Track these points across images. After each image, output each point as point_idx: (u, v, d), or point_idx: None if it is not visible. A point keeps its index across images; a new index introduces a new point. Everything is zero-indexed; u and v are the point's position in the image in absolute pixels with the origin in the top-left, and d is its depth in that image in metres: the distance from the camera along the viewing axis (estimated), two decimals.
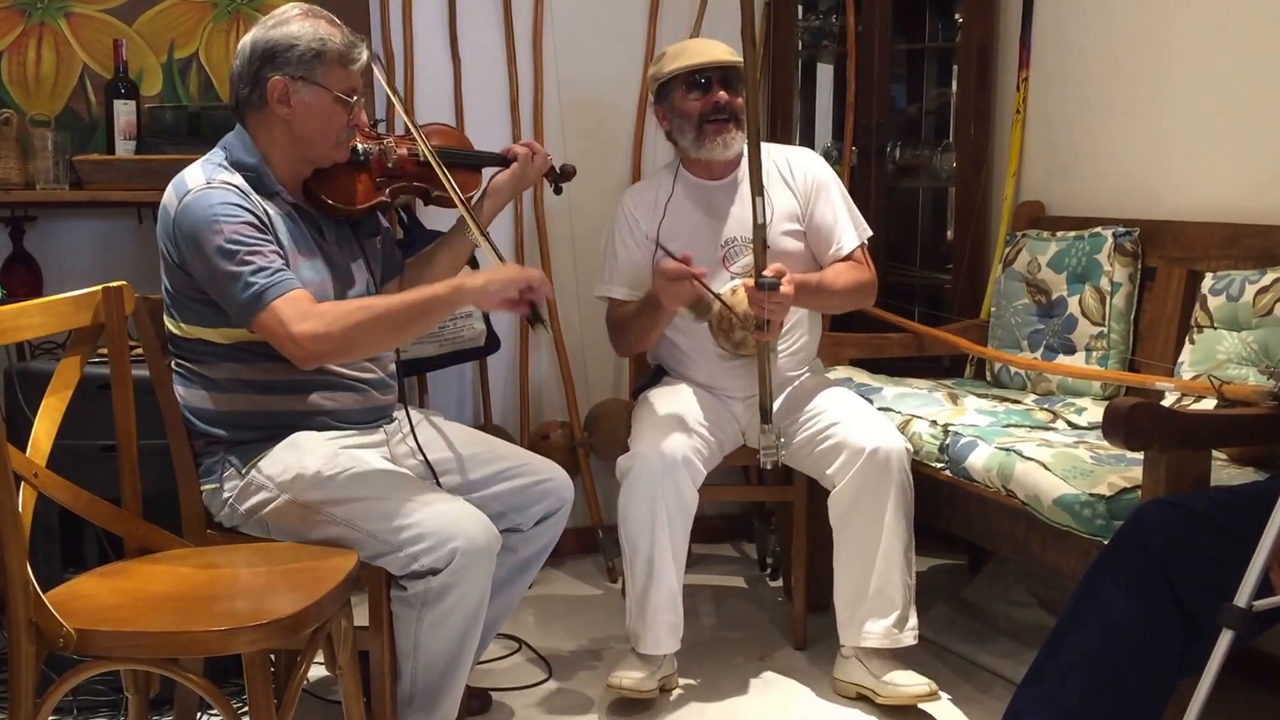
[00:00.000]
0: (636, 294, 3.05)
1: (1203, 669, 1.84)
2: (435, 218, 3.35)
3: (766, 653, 3.20)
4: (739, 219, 3.03)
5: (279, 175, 2.45)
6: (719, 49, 3.08)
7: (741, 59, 3.05)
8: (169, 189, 2.38)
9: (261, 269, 2.27)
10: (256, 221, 2.32)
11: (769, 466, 2.88)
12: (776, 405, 2.96)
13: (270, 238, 2.34)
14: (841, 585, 2.90)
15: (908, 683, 2.78)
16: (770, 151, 3.04)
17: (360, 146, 2.57)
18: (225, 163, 2.40)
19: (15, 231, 3.34)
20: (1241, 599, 1.82)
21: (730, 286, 2.98)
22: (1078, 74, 3.56)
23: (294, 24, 2.41)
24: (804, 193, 3.08)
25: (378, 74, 2.66)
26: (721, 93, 3.01)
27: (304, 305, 2.27)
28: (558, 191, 2.97)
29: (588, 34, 3.88)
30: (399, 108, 2.71)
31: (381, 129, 2.79)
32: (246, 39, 2.43)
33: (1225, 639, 1.82)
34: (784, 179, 3.08)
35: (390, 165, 2.62)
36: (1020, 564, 3.44)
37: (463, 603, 2.31)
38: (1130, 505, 2.32)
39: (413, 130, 2.61)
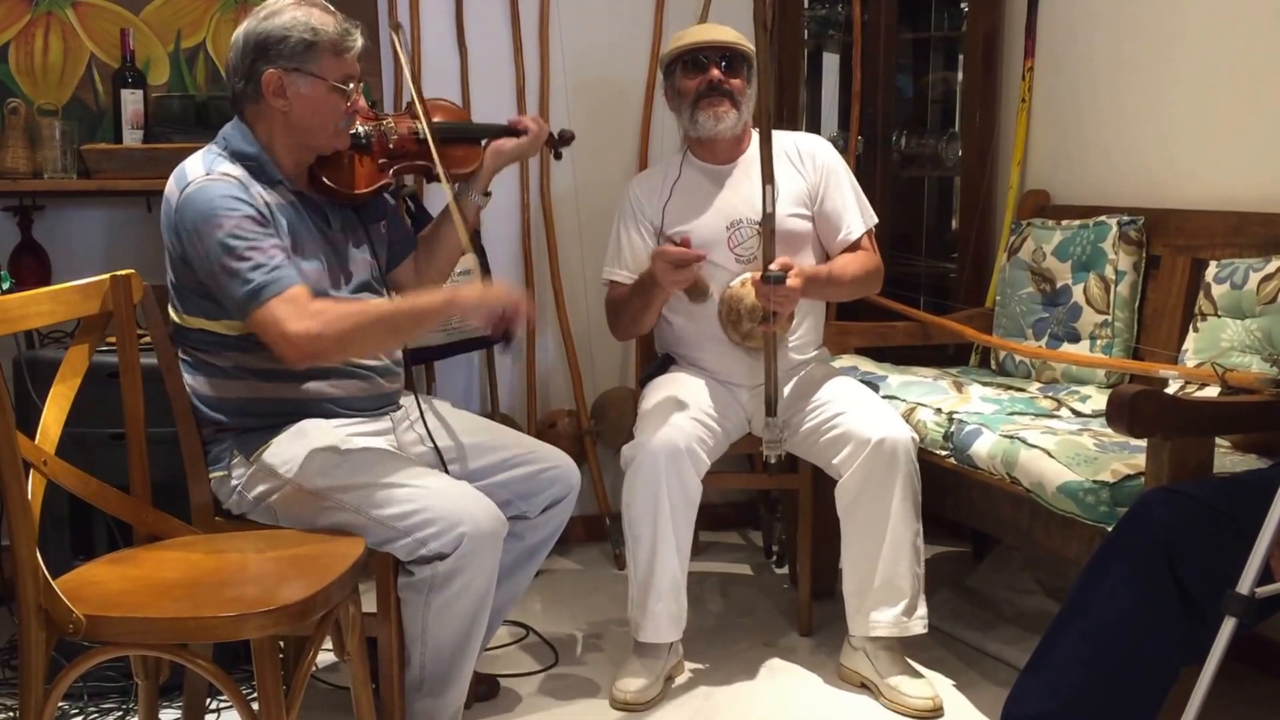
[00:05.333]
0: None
1: (1205, 656, 1.84)
2: (443, 201, 3.35)
3: (772, 639, 3.21)
4: (746, 201, 3.03)
5: (281, 165, 2.45)
6: (723, 31, 3.09)
7: (742, 43, 3.06)
8: (170, 181, 2.38)
9: (260, 265, 2.26)
10: (257, 214, 2.32)
11: (772, 460, 2.89)
12: (783, 394, 2.97)
13: (271, 230, 2.33)
14: (849, 575, 2.90)
15: (912, 692, 2.78)
16: (779, 137, 3.04)
17: (361, 129, 2.56)
18: (225, 153, 2.41)
19: (23, 220, 3.35)
20: (1244, 586, 1.82)
21: (740, 279, 2.99)
22: (1083, 62, 3.56)
23: (286, 14, 2.38)
24: (813, 178, 3.09)
25: (401, 55, 2.65)
26: (716, 71, 3.02)
27: (301, 304, 2.26)
28: (558, 157, 2.98)
29: (594, 19, 3.88)
30: (410, 87, 2.67)
31: (384, 107, 2.78)
32: (239, 31, 2.41)
33: (1228, 626, 1.83)
34: (793, 163, 3.09)
35: (391, 146, 2.61)
36: (1024, 551, 3.45)
37: (469, 588, 2.32)
38: (1133, 492, 2.32)
39: (418, 106, 2.60)
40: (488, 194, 2.78)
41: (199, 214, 2.29)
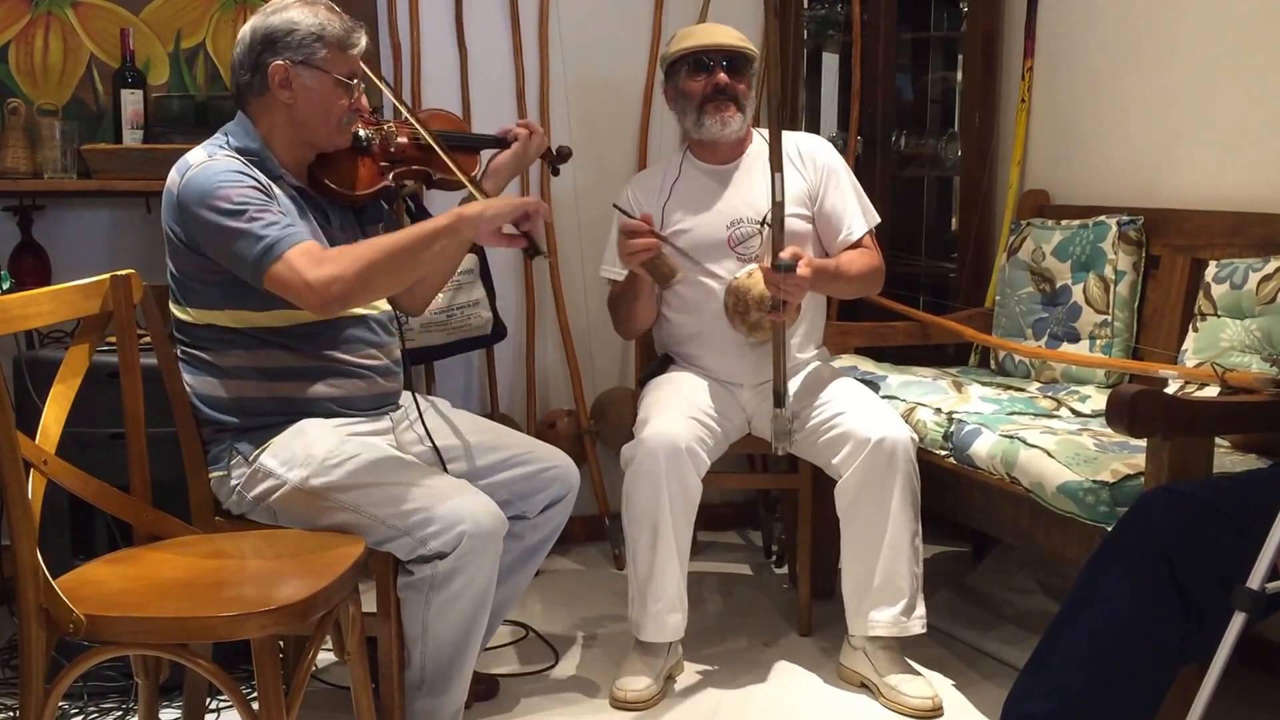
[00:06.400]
0: None
1: (1203, 655, 1.85)
2: (443, 204, 3.35)
3: (771, 639, 3.21)
4: (746, 201, 3.05)
5: (281, 160, 2.47)
6: (726, 33, 3.09)
7: (746, 45, 3.07)
8: (172, 171, 2.41)
9: (272, 223, 2.28)
10: (261, 187, 2.35)
11: (781, 453, 2.89)
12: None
13: (275, 203, 2.36)
14: (849, 575, 2.90)
15: (911, 692, 2.78)
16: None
17: (362, 133, 2.59)
18: (227, 146, 2.43)
19: (23, 220, 3.35)
20: (1254, 581, 1.82)
21: (746, 270, 2.99)
22: (1082, 62, 3.56)
23: (293, 10, 2.44)
24: (814, 179, 3.09)
25: (405, 111, 2.66)
26: (722, 75, 3.03)
27: (316, 253, 2.29)
28: (555, 173, 3.00)
29: (594, 19, 3.88)
30: (387, 93, 2.70)
31: (385, 114, 2.80)
32: (246, 26, 2.46)
33: (1238, 621, 1.83)
34: (793, 164, 3.09)
35: (392, 150, 2.64)
36: (1024, 551, 3.45)
37: (470, 587, 2.32)
38: (1133, 492, 2.33)
39: (405, 113, 2.62)
40: None
41: (204, 188, 2.31)
